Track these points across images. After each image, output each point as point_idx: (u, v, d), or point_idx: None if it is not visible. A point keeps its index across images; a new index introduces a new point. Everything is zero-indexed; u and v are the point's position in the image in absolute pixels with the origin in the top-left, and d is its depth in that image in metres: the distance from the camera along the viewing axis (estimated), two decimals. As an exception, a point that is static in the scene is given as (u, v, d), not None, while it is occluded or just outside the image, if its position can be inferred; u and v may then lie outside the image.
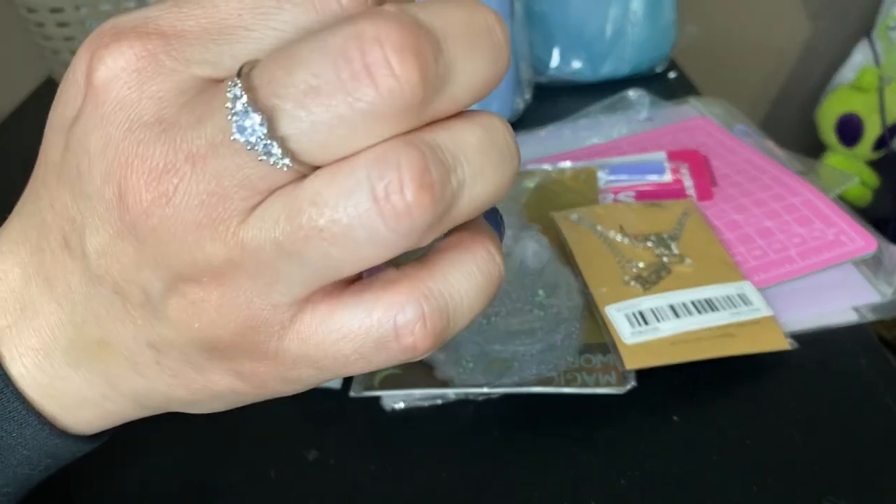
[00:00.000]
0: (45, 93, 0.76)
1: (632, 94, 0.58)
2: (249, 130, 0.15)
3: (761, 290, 0.38)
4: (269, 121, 0.15)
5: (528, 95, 0.60)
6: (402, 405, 0.36)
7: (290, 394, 0.20)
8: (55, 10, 0.62)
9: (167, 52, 0.16)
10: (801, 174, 0.46)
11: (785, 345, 0.35)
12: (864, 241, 0.40)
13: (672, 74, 0.67)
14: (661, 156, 0.49)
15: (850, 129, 0.99)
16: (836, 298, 0.39)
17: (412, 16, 0.15)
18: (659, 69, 0.67)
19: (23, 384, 0.20)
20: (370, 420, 0.35)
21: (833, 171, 0.54)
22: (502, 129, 0.16)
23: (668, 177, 0.47)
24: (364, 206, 0.15)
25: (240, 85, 0.15)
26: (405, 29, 0.14)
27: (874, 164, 1.03)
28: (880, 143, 0.99)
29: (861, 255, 0.40)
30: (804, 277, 0.39)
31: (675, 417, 0.34)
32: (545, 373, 0.35)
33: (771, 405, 0.34)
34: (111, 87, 0.16)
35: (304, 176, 0.15)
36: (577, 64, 0.64)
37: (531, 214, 0.43)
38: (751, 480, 0.31)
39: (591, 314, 0.38)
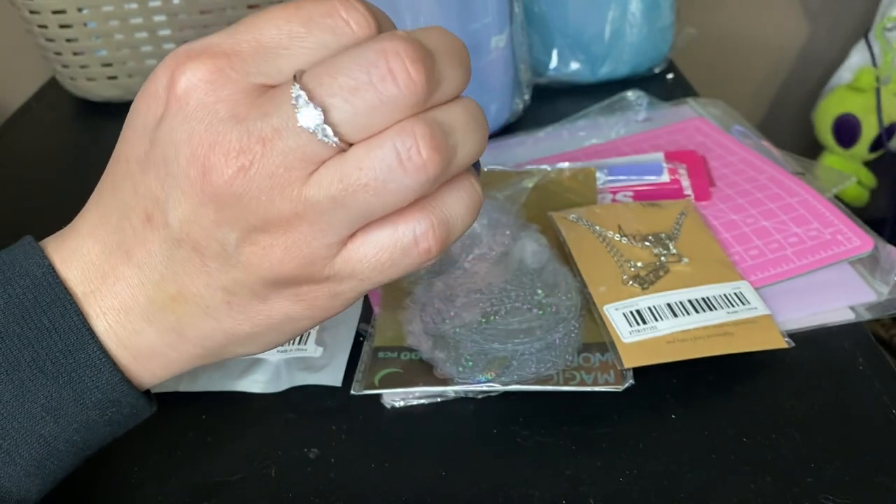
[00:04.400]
0: (48, 93, 0.76)
1: (630, 95, 0.58)
2: (310, 119, 0.21)
3: (758, 289, 0.38)
4: (325, 112, 0.21)
5: (527, 96, 0.61)
6: (401, 403, 0.36)
7: (336, 311, 0.26)
8: (57, 12, 0.63)
9: (232, 66, 0.22)
10: (798, 174, 0.47)
11: (782, 343, 0.35)
12: (860, 240, 0.41)
13: (670, 76, 0.67)
14: (659, 156, 0.50)
15: (847, 130, 0.99)
16: (833, 298, 0.39)
17: (416, 37, 0.22)
18: (657, 70, 0.67)
19: (104, 338, 0.25)
20: (370, 418, 0.36)
21: (830, 171, 0.54)
22: (477, 109, 0.23)
23: (665, 177, 0.47)
24: (394, 165, 0.21)
25: (299, 86, 0.21)
26: (414, 46, 0.21)
27: (871, 165, 1.04)
28: (877, 144, 0.99)
29: (858, 255, 0.40)
30: (801, 277, 0.40)
31: (672, 416, 0.34)
32: (544, 371, 0.35)
33: (768, 404, 0.34)
34: (192, 94, 0.22)
35: (344, 150, 0.21)
36: (575, 65, 0.64)
37: (530, 214, 0.43)
38: (748, 478, 0.31)
39: (590, 313, 0.38)
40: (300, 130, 0.21)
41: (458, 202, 0.24)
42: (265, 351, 0.27)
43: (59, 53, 0.66)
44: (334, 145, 0.21)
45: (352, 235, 0.23)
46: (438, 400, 0.36)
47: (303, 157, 0.21)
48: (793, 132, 1.17)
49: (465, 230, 0.24)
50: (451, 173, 0.23)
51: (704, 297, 0.37)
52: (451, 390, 0.36)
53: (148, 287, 0.25)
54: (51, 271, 0.25)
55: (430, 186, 0.22)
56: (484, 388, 0.35)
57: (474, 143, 0.23)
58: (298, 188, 0.21)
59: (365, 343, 0.38)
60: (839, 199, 0.45)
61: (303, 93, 0.21)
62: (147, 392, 0.28)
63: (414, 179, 0.21)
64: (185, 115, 0.22)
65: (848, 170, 1.01)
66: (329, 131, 0.21)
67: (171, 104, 0.22)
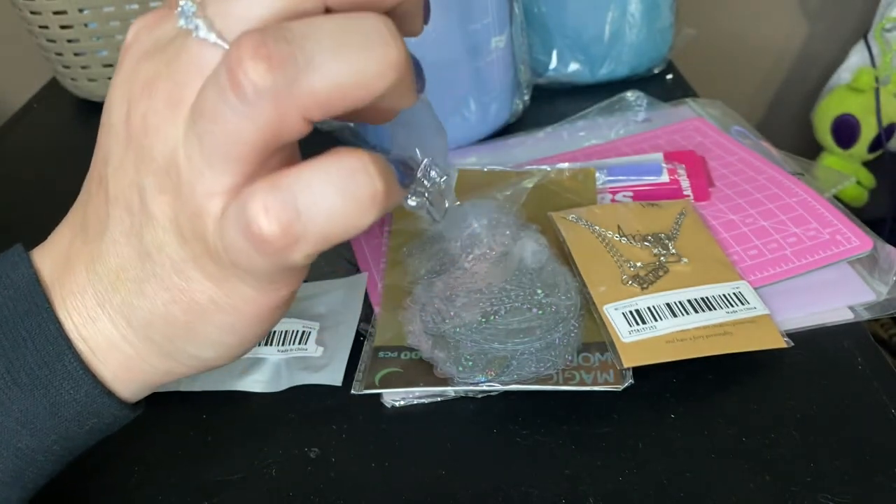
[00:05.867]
0: (50, 94, 0.76)
1: (630, 95, 0.58)
2: (185, 11, 0.20)
3: (757, 289, 0.39)
4: (199, 5, 0.20)
5: (526, 97, 0.61)
6: (402, 403, 0.36)
7: (252, 308, 0.23)
8: (58, 13, 0.63)
9: (170, 7, 0.22)
10: (797, 175, 0.47)
11: (781, 343, 0.36)
12: (859, 240, 0.41)
13: (669, 76, 0.67)
14: (658, 157, 0.50)
15: (846, 131, 0.99)
16: (832, 297, 0.39)
17: None
18: (656, 71, 0.67)
19: (65, 326, 0.24)
20: (371, 418, 0.36)
21: (829, 171, 0.54)
22: (374, 21, 0.19)
23: (665, 177, 0.48)
24: (221, 84, 0.19)
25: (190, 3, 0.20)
26: None
27: (870, 165, 1.04)
28: (876, 144, 0.99)
29: (857, 255, 0.40)
30: (800, 277, 0.40)
31: (672, 415, 0.34)
32: (544, 371, 0.35)
33: (767, 403, 0.34)
34: (132, 43, 0.23)
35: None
36: (575, 66, 0.64)
37: (530, 214, 0.43)
38: (747, 478, 0.31)
39: (590, 313, 0.38)
40: (182, 34, 0.21)
41: (322, 178, 0.19)
42: (221, 358, 0.25)
43: (59, 54, 0.66)
44: (210, 40, 0.20)
45: (232, 196, 0.21)
46: (438, 399, 0.36)
47: (189, 65, 0.20)
48: (792, 132, 1.17)
49: (342, 224, 0.19)
50: (309, 95, 0.19)
51: (704, 296, 0.37)
52: (451, 390, 0.36)
53: (97, 264, 0.23)
54: (33, 279, 0.24)
55: (272, 106, 0.18)
56: (484, 387, 0.35)
57: (353, 62, 0.19)
58: (185, 112, 0.20)
59: (365, 343, 0.38)
60: (838, 200, 0.45)
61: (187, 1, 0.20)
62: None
63: (241, 99, 0.18)
64: (120, 63, 0.22)
65: (847, 170, 1.02)
66: (200, 23, 0.20)
67: (120, 56, 0.23)
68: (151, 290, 0.23)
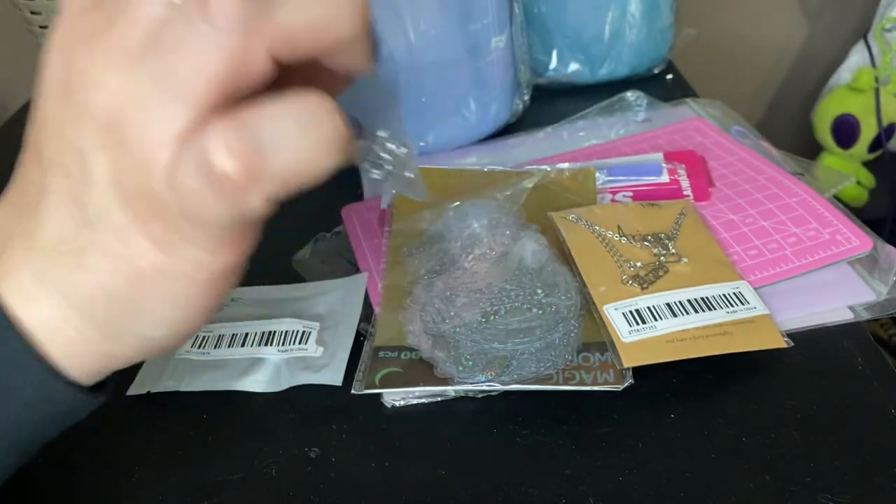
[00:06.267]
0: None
1: (630, 95, 0.58)
2: None
3: (757, 289, 0.39)
4: None
5: (526, 97, 0.61)
6: (402, 403, 0.36)
7: (205, 276, 0.22)
8: (57, 13, 0.63)
9: None
10: (797, 175, 0.47)
11: (781, 343, 0.36)
12: (859, 240, 0.41)
13: (669, 76, 0.67)
14: (658, 157, 0.50)
15: (846, 131, 0.99)
16: (832, 297, 0.39)
17: None
18: (656, 71, 0.67)
19: (7, 310, 0.22)
20: (371, 418, 0.36)
21: (829, 171, 0.54)
22: None
23: (665, 177, 0.48)
24: (189, 10, 0.18)
25: None
26: None
27: (870, 165, 1.04)
28: (876, 144, 0.99)
29: (857, 255, 0.40)
30: (800, 277, 0.40)
31: (672, 415, 0.34)
32: (544, 371, 0.35)
33: (767, 403, 0.34)
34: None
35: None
36: (575, 66, 0.64)
37: (530, 214, 0.43)
38: (747, 478, 0.31)
39: (590, 313, 0.38)
40: None
41: (284, 113, 0.19)
42: (172, 336, 0.24)
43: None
44: None
45: (184, 142, 0.19)
46: (439, 399, 0.36)
47: (134, 15, 0.19)
48: (792, 132, 1.17)
49: (306, 160, 0.19)
50: (270, 29, 0.18)
51: (704, 296, 0.37)
52: (451, 390, 0.36)
53: (34, 239, 0.22)
54: None
55: (228, 34, 0.18)
56: (484, 387, 0.35)
57: None
58: (129, 61, 0.19)
59: (365, 343, 0.39)
60: (838, 200, 0.45)
61: None
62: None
63: (206, 20, 0.18)
64: (55, 25, 0.21)
65: (847, 170, 1.02)
66: None
67: (56, 18, 0.21)
68: (92, 262, 0.22)
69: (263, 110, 0.19)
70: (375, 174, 0.27)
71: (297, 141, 0.19)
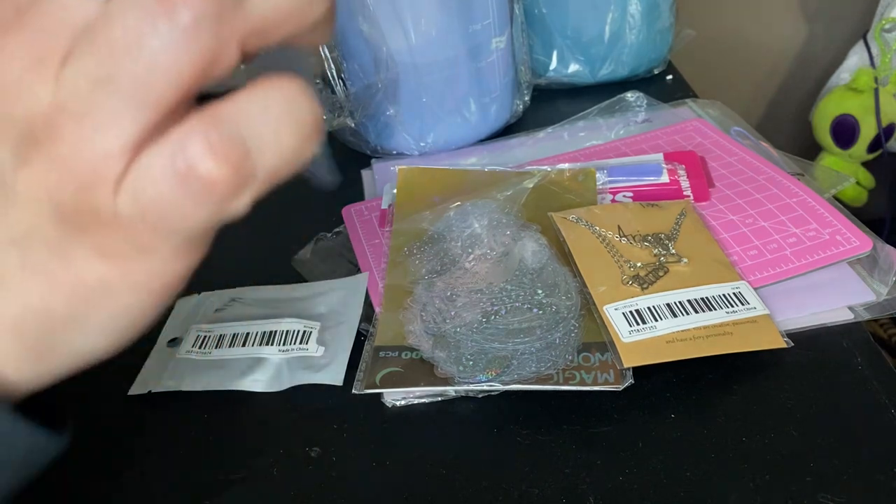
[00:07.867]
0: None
1: (630, 96, 0.58)
2: None
3: (757, 289, 0.39)
4: None
5: (527, 97, 0.61)
6: (402, 402, 0.36)
7: (159, 282, 0.20)
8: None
9: None
10: (796, 175, 0.47)
11: (781, 343, 0.36)
12: (859, 241, 0.41)
13: (669, 77, 0.67)
14: (658, 157, 0.50)
15: (845, 131, 0.99)
16: (832, 298, 0.39)
17: None
18: (656, 72, 0.67)
19: None
20: (371, 417, 0.36)
21: (829, 171, 0.54)
22: None
23: (665, 178, 0.48)
24: (147, 9, 0.16)
25: None
26: None
27: (870, 165, 1.04)
28: (875, 145, 0.99)
29: (856, 255, 0.40)
30: (800, 277, 0.40)
31: (672, 415, 0.34)
32: (544, 371, 0.35)
33: (767, 403, 0.34)
34: None
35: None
36: (575, 66, 0.64)
37: (530, 214, 0.43)
38: (747, 477, 0.31)
39: (590, 313, 0.38)
40: None
41: (264, 105, 0.17)
42: (111, 347, 0.21)
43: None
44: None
45: (136, 153, 0.17)
46: (439, 399, 0.36)
47: (52, 12, 0.17)
48: (791, 133, 1.17)
49: (291, 153, 0.18)
50: (246, 20, 0.17)
51: (703, 297, 0.37)
52: (451, 390, 0.36)
53: None
54: None
55: (199, 33, 0.16)
56: (484, 387, 0.35)
57: None
58: (56, 67, 0.17)
59: (366, 342, 0.39)
60: (838, 200, 0.45)
61: None
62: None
63: (171, 20, 0.16)
64: None
65: (846, 170, 1.02)
66: None
67: None
68: (21, 283, 0.19)
69: (242, 104, 0.17)
70: None
71: (281, 133, 0.17)
